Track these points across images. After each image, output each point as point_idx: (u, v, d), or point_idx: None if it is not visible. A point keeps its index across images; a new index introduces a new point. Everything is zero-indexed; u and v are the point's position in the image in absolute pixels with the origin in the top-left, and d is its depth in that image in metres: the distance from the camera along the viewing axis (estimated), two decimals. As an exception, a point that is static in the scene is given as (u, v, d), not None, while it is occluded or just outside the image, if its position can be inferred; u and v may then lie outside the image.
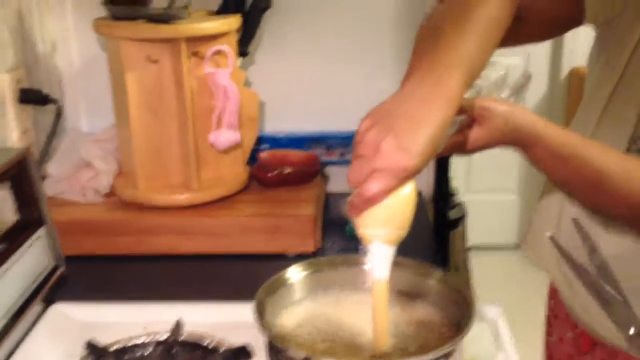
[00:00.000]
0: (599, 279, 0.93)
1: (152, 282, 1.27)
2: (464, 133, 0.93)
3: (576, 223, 1.05)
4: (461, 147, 0.94)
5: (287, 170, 1.47)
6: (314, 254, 1.33)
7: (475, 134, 0.92)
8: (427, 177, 1.64)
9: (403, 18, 1.58)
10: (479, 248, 3.32)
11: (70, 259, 1.21)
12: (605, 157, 0.92)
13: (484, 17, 0.85)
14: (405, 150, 0.74)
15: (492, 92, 0.96)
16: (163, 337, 1.03)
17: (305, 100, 1.64)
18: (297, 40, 1.60)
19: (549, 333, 1.34)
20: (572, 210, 1.12)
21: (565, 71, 3.38)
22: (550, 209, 1.21)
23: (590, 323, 1.16)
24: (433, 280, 0.95)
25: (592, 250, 1.02)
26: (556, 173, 0.95)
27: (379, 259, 0.80)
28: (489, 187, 3.50)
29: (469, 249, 1.87)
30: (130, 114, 1.34)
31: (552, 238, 1.09)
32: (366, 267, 0.97)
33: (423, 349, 0.85)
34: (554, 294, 1.30)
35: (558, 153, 0.92)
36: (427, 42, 0.85)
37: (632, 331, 0.86)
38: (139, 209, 1.37)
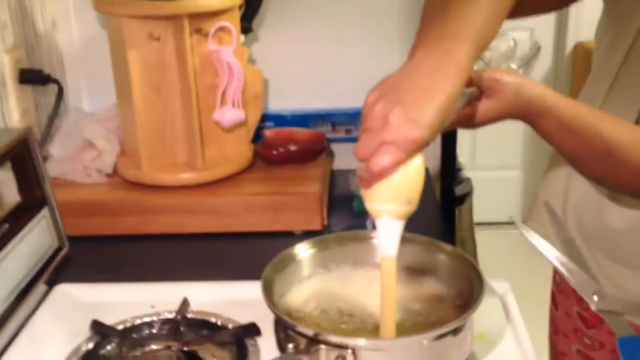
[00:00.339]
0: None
1: (157, 262, 1.26)
2: (472, 105, 0.91)
3: (546, 203, 1.05)
4: (470, 120, 0.92)
5: (293, 147, 1.46)
6: (320, 232, 1.31)
7: (485, 106, 0.90)
8: (434, 153, 1.62)
9: (409, -3, 1.56)
10: (484, 224, 3.32)
11: (74, 240, 1.20)
12: (616, 128, 0.91)
13: None
14: (413, 122, 0.72)
15: (502, 63, 0.94)
16: (170, 315, 1.02)
17: (310, 77, 1.62)
18: (301, 16, 1.58)
19: (554, 307, 1.34)
20: (579, 184, 1.11)
21: (570, 45, 3.35)
22: (556, 184, 1.19)
23: None
24: (442, 255, 0.94)
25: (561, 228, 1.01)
26: (566, 145, 0.94)
27: (387, 234, 0.79)
28: (494, 164, 3.48)
29: (475, 224, 1.86)
30: (132, 92, 1.32)
31: (546, 203, 1.08)
32: (375, 242, 0.96)
33: (433, 324, 0.84)
34: None
35: (568, 125, 0.90)
36: (435, 11, 0.83)
37: (595, 298, 0.90)
38: (143, 188, 1.36)
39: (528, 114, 0.91)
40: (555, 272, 1.32)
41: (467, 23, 0.79)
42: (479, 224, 2.96)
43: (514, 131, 3.33)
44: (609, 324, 0.85)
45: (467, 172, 1.93)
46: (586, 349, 1.26)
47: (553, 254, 0.92)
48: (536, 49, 0.97)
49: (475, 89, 0.89)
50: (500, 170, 3.51)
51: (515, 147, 3.46)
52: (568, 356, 1.31)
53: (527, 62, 0.96)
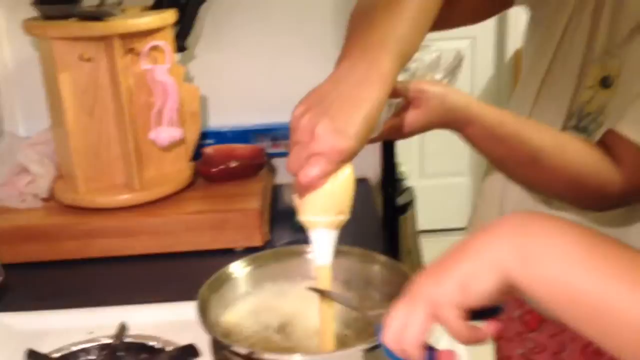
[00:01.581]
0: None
1: (96, 287, 1.24)
2: (400, 116, 0.92)
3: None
4: (399, 130, 0.93)
5: (233, 164, 1.45)
6: (262, 248, 1.31)
7: (412, 117, 0.92)
8: (374, 164, 1.63)
9: (342, 6, 1.57)
10: (434, 231, 3.35)
11: (10, 267, 1.18)
12: (540, 134, 0.93)
13: (415, 1, 0.84)
14: (340, 132, 0.73)
15: (426, 74, 0.96)
16: (108, 340, 1.01)
17: (248, 93, 1.62)
18: (237, 32, 1.58)
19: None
20: (514, 192, 1.13)
21: (510, 52, 3.41)
22: (492, 192, 1.21)
23: None
24: (377, 265, 0.95)
25: None
26: (493, 152, 0.95)
27: (321, 244, 0.79)
28: (442, 171, 3.52)
29: (419, 232, 1.88)
30: (65, 115, 1.30)
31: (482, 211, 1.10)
32: (310, 256, 0.97)
33: (369, 334, 0.84)
34: None
35: (493, 132, 0.92)
36: (360, 22, 0.84)
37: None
38: (80, 212, 1.34)
39: (454, 122, 0.93)
40: None
41: (391, 34, 0.80)
42: (428, 231, 3.00)
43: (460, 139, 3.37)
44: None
45: (415, 180, 1.95)
46: (530, 353, 1.28)
47: None
48: (459, 60, 0.98)
49: (402, 99, 0.91)
50: (448, 177, 3.55)
51: (462, 153, 3.51)
52: (513, 359, 1.33)
53: (452, 72, 0.97)
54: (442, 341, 0.70)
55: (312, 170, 0.73)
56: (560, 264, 0.58)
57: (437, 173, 3.50)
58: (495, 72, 3.51)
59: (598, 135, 0.95)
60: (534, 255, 0.59)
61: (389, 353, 0.66)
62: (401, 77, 0.86)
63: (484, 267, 0.61)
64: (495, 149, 0.94)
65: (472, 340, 0.64)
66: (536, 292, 0.59)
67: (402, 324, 0.64)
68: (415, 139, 3.11)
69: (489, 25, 3.22)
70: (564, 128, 1.01)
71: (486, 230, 0.63)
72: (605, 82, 0.95)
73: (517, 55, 3.38)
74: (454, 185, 3.54)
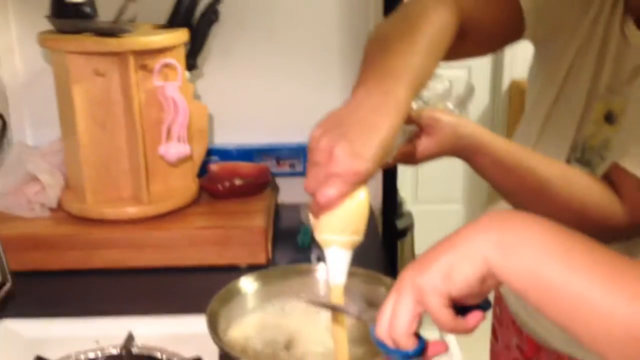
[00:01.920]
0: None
1: (102, 297, 1.26)
2: (413, 143, 0.95)
3: None
4: (411, 156, 0.96)
5: (238, 182, 1.48)
6: (265, 266, 1.33)
7: (425, 144, 0.95)
8: (375, 188, 1.66)
9: (348, 32, 1.61)
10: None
11: (18, 275, 1.19)
12: (547, 166, 0.96)
13: (429, 33, 0.88)
14: (358, 155, 0.75)
15: (438, 103, 0.99)
16: (115, 351, 1.03)
17: (254, 112, 1.65)
18: (245, 53, 1.61)
19: (494, 340, 1.37)
20: None
21: (506, 84, 3.46)
22: None
23: (535, 328, 1.20)
24: (382, 287, 0.97)
25: None
26: (501, 182, 0.99)
27: (335, 263, 0.82)
28: (436, 197, 3.56)
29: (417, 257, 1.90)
30: (77, 127, 1.33)
31: None
32: (317, 275, 0.99)
33: (372, 355, 0.86)
34: (499, 301, 1.34)
35: (502, 162, 0.95)
36: (375, 54, 0.87)
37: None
38: (88, 223, 1.36)
39: (464, 150, 0.96)
40: (496, 303, 1.36)
41: (406, 66, 0.84)
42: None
43: (455, 166, 3.40)
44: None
45: (410, 206, 1.98)
46: None
47: None
48: (470, 90, 1.02)
49: (415, 127, 0.94)
50: (441, 204, 3.58)
51: (456, 181, 3.55)
52: None
53: (462, 102, 1.01)
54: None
55: (329, 191, 0.76)
56: (536, 256, 0.61)
57: (431, 199, 3.53)
58: (490, 101, 3.56)
59: (601, 169, 0.98)
60: (513, 247, 0.62)
61: (382, 346, 0.68)
62: (414, 105, 0.90)
63: (466, 257, 0.64)
64: (503, 178, 0.97)
65: (456, 329, 0.67)
66: (514, 283, 0.62)
67: (392, 315, 0.67)
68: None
69: (484, 56, 3.29)
70: (568, 160, 1.04)
71: (470, 225, 0.66)
72: (609, 118, 0.99)
73: (513, 85, 3.43)
74: (448, 212, 3.57)
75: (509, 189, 1.00)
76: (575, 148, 1.04)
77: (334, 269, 0.81)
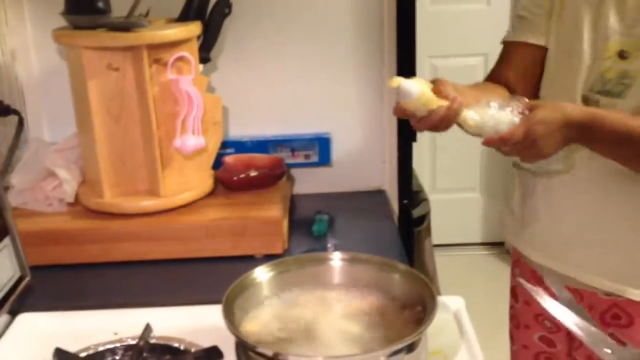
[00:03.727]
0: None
1: (119, 289, 1.27)
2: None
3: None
4: None
5: (253, 173, 1.49)
6: (281, 255, 1.34)
7: None
8: (391, 177, 1.66)
9: (362, 23, 1.60)
10: (445, 246, 3.37)
11: (37, 269, 1.20)
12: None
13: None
14: None
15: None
16: (133, 342, 1.04)
17: (269, 104, 1.66)
18: (258, 45, 1.61)
19: (514, 301, 1.41)
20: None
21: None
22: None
23: (564, 262, 1.25)
24: (397, 274, 0.97)
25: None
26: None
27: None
28: (454, 186, 3.54)
29: (434, 245, 1.90)
30: (93, 122, 1.34)
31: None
32: (332, 263, 1.00)
33: (390, 340, 0.87)
34: (517, 263, 1.39)
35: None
36: None
37: (609, 351, 0.90)
38: (105, 216, 1.37)
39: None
40: (514, 266, 1.40)
41: None
42: (440, 245, 3.02)
43: (473, 154, 3.40)
44: None
45: (428, 195, 1.97)
46: (548, 332, 1.32)
47: (564, 315, 0.94)
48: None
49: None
50: (459, 193, 3.57)
51: (473, 170, 3.53)
52: (530, 348, 1.37)
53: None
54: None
55: None
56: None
57: (450, 188, 3.52)
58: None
59: (630, 94, 1.10)
60: None
61: None
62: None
63: None
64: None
65: None
66: None
67: None
68: (427, 154, 3.12)
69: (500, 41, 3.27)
70: (591, 92, 1.16)
71: None
72: (622, 55, 1.12)
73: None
74: (466, 200, 3.56)
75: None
76: (593, 84, 1.14)
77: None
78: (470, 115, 1.05)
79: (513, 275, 1.42)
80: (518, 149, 1.06)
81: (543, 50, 1.25)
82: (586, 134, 1.06)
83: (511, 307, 1.43)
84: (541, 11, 1.24)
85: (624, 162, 1.10)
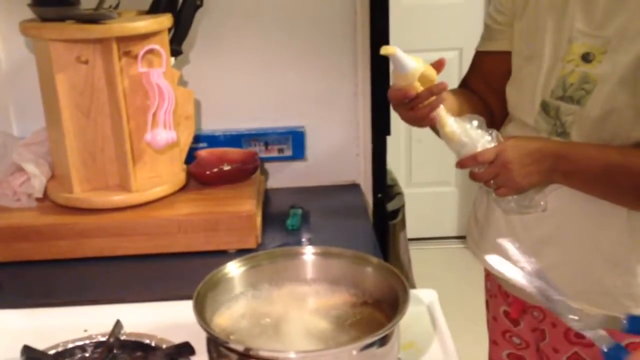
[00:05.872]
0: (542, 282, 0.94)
1: (90, 286, 1.25)
2: None
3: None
4: None
5: (226, 167, 1.47)
6: (254, 250, 1.33)
7: None
8: (365, 170, 1.66)
9: (336, 17, 1.59)
10: (421, 239, 3.38)
11: (4, 266, 1.19)
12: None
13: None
14: None
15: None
16: (103, 338, 1.02)
17: (242, 97, 1.64)
18: (231, 39, 1.59)
19: (488, 313, 1.39)
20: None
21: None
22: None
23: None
24: (369, 267, 0.97)
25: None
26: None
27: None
28: (429, 180, 3.55)
29: (409, 239, 1.90)
30: (61, 116, 1.32)
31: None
32: (305, 257, 0.99)
33: (361, 334, 0.86)
34: (489, 276, 1.35)
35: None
36: None
37: (576, 318, 0.90)
38: (75, 212, 1.35)
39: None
40: (487, 278, 1.36)
41: None
42: (416, 239, 3.02)
43: (448, 149, 3.40)
44: (592, 340, 0.87)
45: (403, 189, 1.97)
46: (517, 349, 1.31)
47: (524, 278, 0.92)
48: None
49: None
50: (435, 187, 3.58)
51: (450, 163, 3.54)
52: None
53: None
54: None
55: None
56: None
57: (425, 182, 3.52)
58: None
59: (590, 100, 1.06)
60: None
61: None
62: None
63: None
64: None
65: None
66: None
67: None
68: (403, 148, 3.11)
69: (475, 36, 3.29)
70: (545, 101, 1.12)
71: None
72: (586, 58, 1.08)
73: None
74: (441, 194, 3.57)
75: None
76: (554, 89, 1.11)
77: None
78: (450, 122, 1.08)
79: (486, 289, 1.39)
80: (490, 172, 1.07)
81: (510, 56, 1.22)
82: (562, 165, 1.06)
83: (487, 321, 1.42)
84: (504, 17, 1.21)
85: (604, 196, 1.08)
